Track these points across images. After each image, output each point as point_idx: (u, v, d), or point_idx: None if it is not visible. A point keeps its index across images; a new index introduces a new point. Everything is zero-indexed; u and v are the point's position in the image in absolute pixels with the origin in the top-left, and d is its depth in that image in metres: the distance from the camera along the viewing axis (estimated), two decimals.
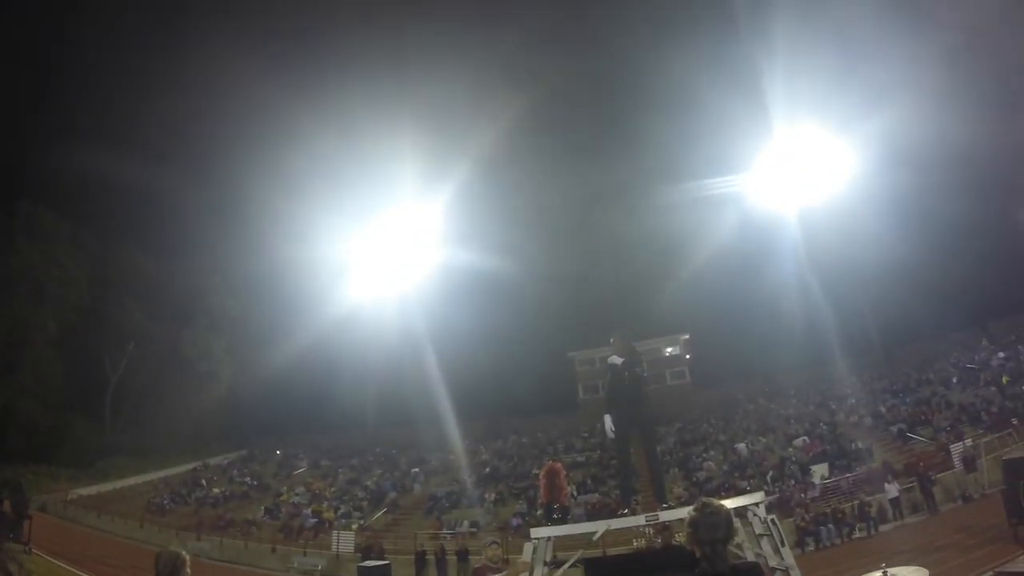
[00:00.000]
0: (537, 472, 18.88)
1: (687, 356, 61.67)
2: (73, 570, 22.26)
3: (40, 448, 53.78)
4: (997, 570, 8.58)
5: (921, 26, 40.94)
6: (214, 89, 54.72)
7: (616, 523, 8.99)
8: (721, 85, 47.02)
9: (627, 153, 55.98)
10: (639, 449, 9.96)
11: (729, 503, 4.13)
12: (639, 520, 8.66)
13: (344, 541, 35.18)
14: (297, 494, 46.31)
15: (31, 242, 56.16)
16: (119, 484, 51.48)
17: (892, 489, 28.92)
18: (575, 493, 36.42)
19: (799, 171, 47.53)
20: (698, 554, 3.76)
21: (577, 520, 16.79)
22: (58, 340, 58.43)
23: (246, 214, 55.83)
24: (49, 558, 22.95)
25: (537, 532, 8.39)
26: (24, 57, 56.06)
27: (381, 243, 55.07)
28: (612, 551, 14.22)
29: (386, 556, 28.63)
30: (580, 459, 45.32)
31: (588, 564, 8.44)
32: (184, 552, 5.63)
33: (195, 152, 55.85)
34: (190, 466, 56.35)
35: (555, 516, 9.08)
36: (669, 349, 61.45)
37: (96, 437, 59.55)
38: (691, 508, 3.98)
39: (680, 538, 9.00)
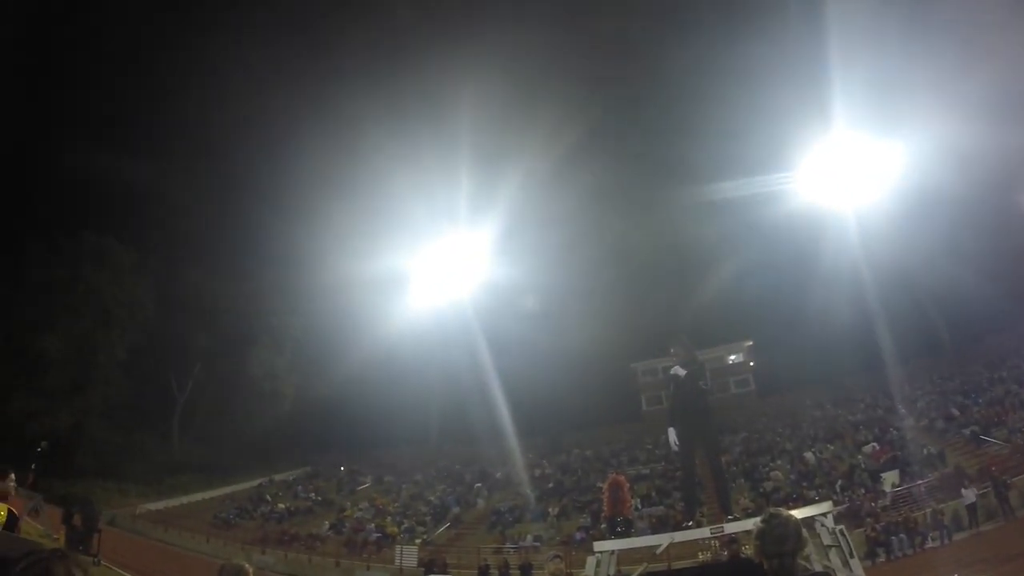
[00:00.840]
0: (601, 485, 18.79)
1: (751, 363, 60.85)
2: None
3: (109, 465, 55.00)
4: None
5: (981, 26, 40.22)
6: (277, 110, 55.68)
7: (680, 536, 8.84)
8: (776, 82, 46.51)
9: (680, 158, 55.55)
10: (703, 460, 9.79)
11: (797, 513, 3.99)
12: (704, 532, 8.51)
13: (407, 556, 35.24)
14: (361, 509, 46.61)
15: (98, 268, 57.51)
16: (186, 500, 52.39)
17: (969, 495, 27.68)
18: (639, 506, 36.09)
19: (856, 168, 46.78)
20: (766, 567, 3.65)
21: (641, 533, 16.64)
22: (126, 361, 59.61)
23: (307, 234, 56.61)
24: (118, 570, 23.30)
25: (600, 546, 8.29)
26: (86, 82, 57.36)
27: (440, 259, 55.38)
28: (677, 564, 14.04)
29: (449, 570, 28.68)
30: (644, 471, 44.89)
31: None
32: (247, 565, 5.64)
33: (256, 173, 56.83)
34: (255, 482, 57.06)
35: (618, 529, 8.98)
36: (732, 357, 60.73)
37: (164, 454, 60.83)
38: (758, 519, 3.85)
39: (748, 551, 8.83)
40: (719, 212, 51.53)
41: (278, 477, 58.78)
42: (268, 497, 52.09)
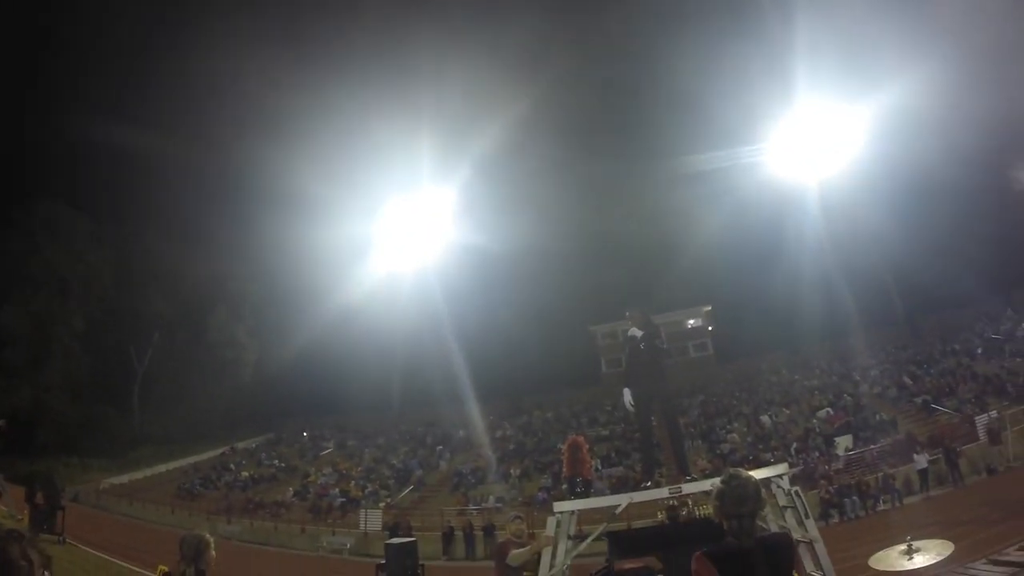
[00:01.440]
0: (561, 447, 19.03)
1: (709, 328, 61.53)
2: (107, 557, 22.46)
3: (71, 440, 54.67)
4: (1022, 545, 8.48)
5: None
6: (232, 73, 54.73)
7: (639, 496, 8.96)
8: (740, 55, 46.62)
9: (645, 126, 55.69)
10: (660, 422, 9.90)
11: (754, 475, 4.10)
12: (663, 493, 8.62)
13: (372, 519, 35.46)
14: (324, 475, 46.71)
15: (53, 239, 56.71)
16: (149, 472, 52.22)
17: (921, 460, 28.70)
18: (599, 467, 36.54)
19: (820, 141, 47.08)
20: (725, 527, 3.71)
21: (600, 494, 16.80)
22: (84, 334, 59.01)
23: (264, 199, 55.96)
24: (83, 547, 23.17)
25: (560, 506, 8.39)
26: (34, 48, 56.18)
27: (400, 223, 55.00)
28: (636, 524, 14.23)
29: (413, 533, 28.78)
30: (604, 433, 45.40)
31: (612, 537, 8.44)
32: (207, 535, 5.65)
33: (211, 137, 55.85)
34: (218, 451, 57.00)
35: (578, 490, 9.06)
36: (691, 321, 61.32)
37: (126, 427, 60.42)
38: (717, 480, 3.93)
39: (703, 510, 8.98)
40: (684, 180, 51.70)
41: (241, 445, 58.57)
42: (232, 466, 52.01)
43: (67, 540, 22.15)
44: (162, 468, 53.23)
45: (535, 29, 53.74)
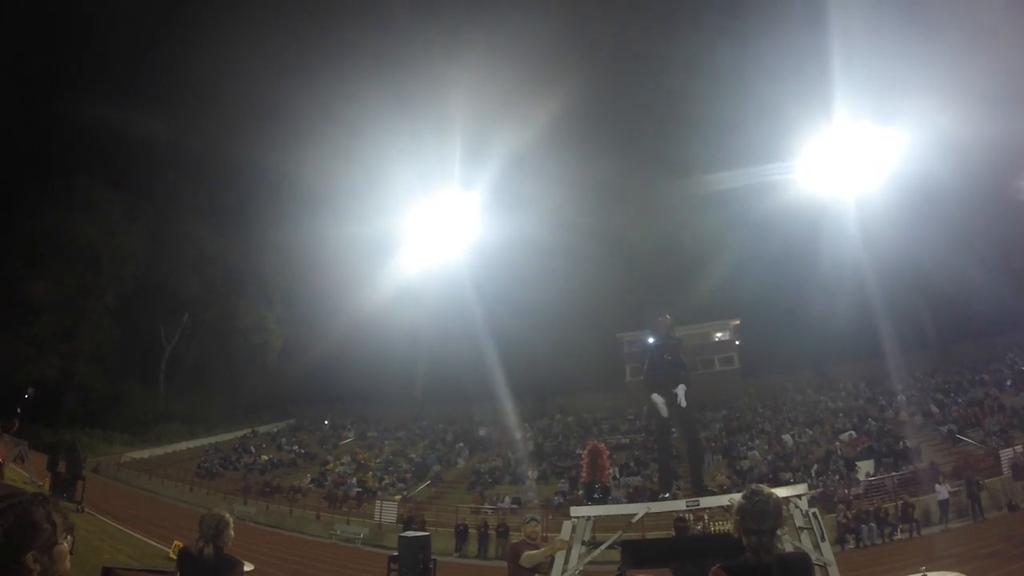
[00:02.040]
0: (580, 452, 18.98)
1: (736, 342, 61.13)
2: (123, 529, 22.66)
3: (96, 413, 55.28)
4: None
5: (980, 11, 40.05)
6: (273, 64, 55.16)
7: (656, 506, 8.91)
8: (775, 69, 46.28)
9: (679, 137, 55.37)
10: (681, 434, 9.82)
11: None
12: (680, 505, 8.57)
13: (387, 511, 35.65)
14: (343, 464, 46.93)
15: (89, 215, 57.29)
16: (170, 449, 52.70)
17: (942, 491, 28.21)
18: (617, 475, 36.49)
19: (857, 158, 46.64)
20: (744, 542, 3.67)
21: (618, 502, 16.76)
22: (116, 309, 59.68)
23: (300, 188, 56.37)
24: (101, 517, 23.39)
25: (577, 511, 8.34)
26: (77, 26, 56.70)
27: (433, 219, 55.10)
28: (651, 535, 14.19)
29: (427, 528, 28.86)
30: (624, 441, 45.30)
31: (626, 546, 8.39)
32: (228, 514, 5.67)
33: (251, 125, 56.26)
34: (240, 433, 57.36)
35: (596, 496, 9.00)
36: (719, 334, 60.90)
37: (150, 403, 60.93)
38: (738, 495, 3.89)
39: (719, 525, 8.93)
40: (718, 194, 51.43)
41: (262, 429, 58.98)
42: (252, 448, 52.36)
43: (85, 509, 22.42)
44: (183, 446, 53.75)
45: (566, 36, 53.64)
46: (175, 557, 5.82)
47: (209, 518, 5.58)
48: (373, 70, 53.66)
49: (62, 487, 22.59)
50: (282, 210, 57.44)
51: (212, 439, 55.63)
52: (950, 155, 42.03)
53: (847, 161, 46.74)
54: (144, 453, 50.45)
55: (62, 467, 23.88)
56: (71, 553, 2.40)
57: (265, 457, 49.68)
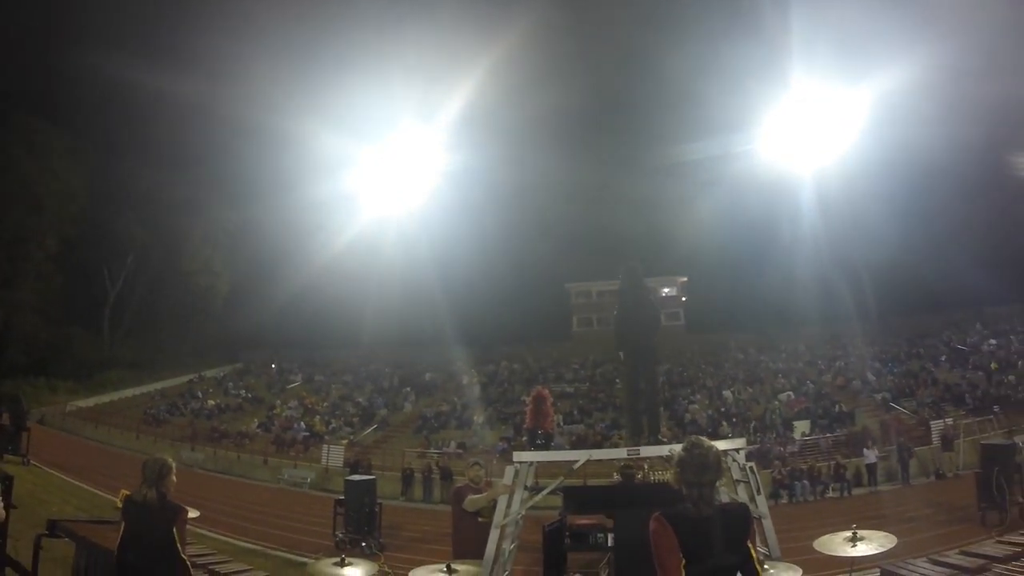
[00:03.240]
0: (525, 399, 19.13)
1: (683, 299, 61.93)
2: (70, 480, 22.56)
3: (39, 361, 54.07)
4: (963, 549, 8.69)
5: None
6: (217, 4, 53.75)
7: (598, 454, 9.09)
8: (733, 40, 46.40)
9: (635, 93, 55.58)
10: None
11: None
12: (621, 453, 8.72)
13: (334, 455, 35.86)
14: (290, 408, 46.84)
15: (29, 155, 55.31)
16: (116, 396, 51.91)
17: (871, 455, 29.56)
18: (561, 423, 36.97)
19: (814, 131, 46.83)
20: (684, 493, 3.77)
21: (560, 449, 16.99)
22: (57, 254, 58.12)
23: (247, 127, 55.05)
24: (47, 469, 23.24)
25: (520, 456, 8.46)
26: None
27: (384, 162, 54.36)
28: (592, 482, 14.42)
29: (373, 472, 29.07)
30: (569, 390, 45.95)
31: (568, 492, 8.54)
32: (170, 459, 5.71)
33: (196, 61, 54.84)
34: (186, 378, 56.73)
35: (539, 442, 9.13)
36: (666, 290, 61.60)
37: (94, 350, 59.88)
38: (679, 447, 3.97)
39: (659, 475, 9.11)
40: (674, 156, 51.50)
41: (208, 373, 58.44)
42: (199, 394, 51.92)
43: (31, 461, 22.24)
44: (129, 393, 52.94)
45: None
46: (121, 506, 5.85)
47: (151, 463, 5.64)
48: (326, 8, 52.70)
49: (6, 440, 22.31)
50: (230, 150, 56.04)
51: (158, 385, 54.91)
52: (905, 132, 42.58)
53: (804, 133, 46.92)
54: (90, 401, 49.68)
55: (5, 419, 23.54)
56: (13, 507, 2.42)
57: (212, 402, 49.27)
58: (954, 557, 8.23)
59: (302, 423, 42.99)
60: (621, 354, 9.36)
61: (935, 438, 30.31)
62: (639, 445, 8.51)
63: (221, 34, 52.75)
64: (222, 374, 58.98)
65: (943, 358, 42.63)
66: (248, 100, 52.62)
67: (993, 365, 38.78)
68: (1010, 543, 8.52)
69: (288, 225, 56.26)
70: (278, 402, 48.88)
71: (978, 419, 31.36)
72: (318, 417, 44.52)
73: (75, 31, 53.15)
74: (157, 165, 58.88)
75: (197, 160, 58.59)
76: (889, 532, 7.16)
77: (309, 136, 51.39)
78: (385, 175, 53.18)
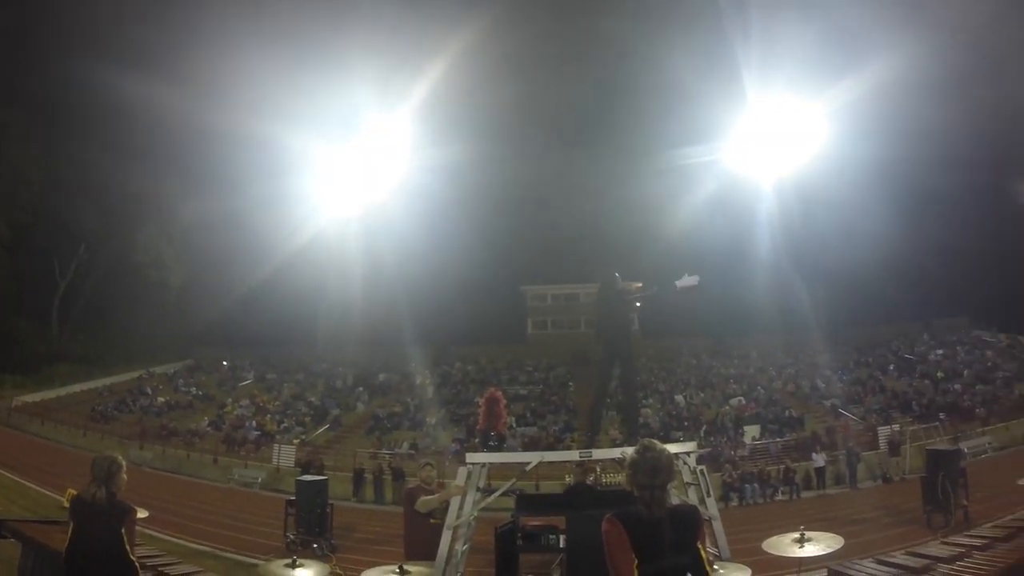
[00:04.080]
0: (479, 400, 19.24)
1: (637, 304, 62.15)
2: (16, 479, 22.21)
3: None
4: (908, 550, 8.94)
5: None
6: None
7: (550, 456, 9.16)
8: (696, 51, 46.90)
9: (599, 106, 55.98)
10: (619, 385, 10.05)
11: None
12: (573, 455, 8.82)
13: (285, 455, 35.59)
14: (241, 406, 46.35)
15: None
16: (64, 391, 50.62)
17: (819, 459, 30.36)
18: (514, 424, 37.13)
19: (772, 140, 47.34)
20: (636, 495, 3.82)
21: (513, 451, 17.05)
22: (7, 242, 56.92)
23: (206, 119, 54.15)
24: None
25: (472, 457, 8.51)
26: None
27: (341, 157, 53.94)
28: (544, 484, 14.51)
29: (325, 472, 28.91)
30: (522, 392, 46.16)
31: (520, 499, 8.59)
32: (119, 457, 5.65)
33: (155, 54, 54.07)
34: (135, 374, 55.70)
35: (491, 443, 9.18)
36: None
37: (42, 343, 58.39)
38: (631, 449, 4.02)
39: (612, 477, 9.21)
40: (634, 164, 52.01)
41: (159, 370, 57.50)
42: (148, 390, 51.06)
43: None
44: (77, 388, 51.72)
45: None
46: (68, 505, 5.79)
47: (100, 461, 5.59)
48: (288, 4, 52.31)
49: None
50: (188, 142, 55.03)
51: (107, 380, 53.66)
52: (862, 146, 43.44)
53: (763, 144, 47.49)
54: (36, 396, 48.38)
55: None
56: None
57: (162, 399, 48.55)
58: (900, 557, 8.44)
59: (253, 422, 42.58)
60: (599, 357, 9.58)
61: (882, 443, 31.22)
62: (591, 445, 8.62)
63: (182, 28, 52.23)
64: (173, 370, 58.10)
65: (891, 367, 44.25)
66: (208, 94, 51.93)
67: (939, 374, 40.37)
68: (954, 544, 8.77)
69: (245, 221, 55.64)
70: (229, 400, 48.33)
71: (924, 426, 32.64)
72: (269, 416, 44.15)
73: (32, 19, 52.34)
74: (114, 154, 57.68)
75: (154, 150, 57.28)
76: (836, 534, 7.33)
77: (268, 132, 50.87)
78: (343, 173, 52.89)
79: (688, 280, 9.83)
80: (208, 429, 42.17)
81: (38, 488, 20.81)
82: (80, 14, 53.56)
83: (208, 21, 51.17)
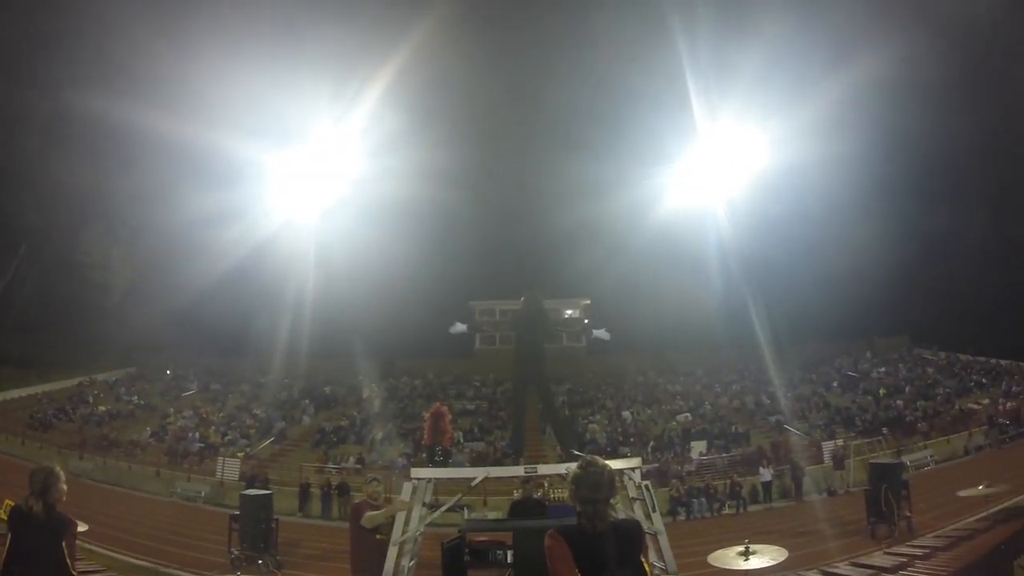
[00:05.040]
0: (425, 414, 19.33)
1: (586, 321, 62.75)
2: None
3: None
4: (853, 561, 9.14)
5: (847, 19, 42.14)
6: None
7: (496, 471, 9.19)
8: (649, 77, 47.47)
9: (556, 115, 56.36)
10: (539, 405, 10.17)
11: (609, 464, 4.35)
12: (518, 471, 8.85)
13: (229, 468, 35.17)
14: (185, 417, 45.66)
15: None
16: (0, 397, 49.53)
17: (766, 473, 30.96)
18: (461, 440, 37.22)
19: (728, 162, 48.14)
20: (579, 509, 3.88)
21: (459, 466, 17.07)
22: None
23: (156, 123, 53.30)
24: None
25: (418, 472, 8.51)
26: None
27: (288, 166, 53.53)
28: (492, 499, 14.53)
29: (270, 486, 28.65)
30: (470, 407, 46.18)
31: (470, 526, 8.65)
32: (58, 468, 5.58)
33: (109, 43, 53.09)
34: (76, 381, 54.52)
35: (437, 459, 9.19)
36: (569, 311, 62.91)
37: None
38: (575, 465, 4.09)
39: (558, 492, 9.28)
40: (586, 182, 52.40)
41: (100, 377, 56.33)
42: (89, 398, 50.11)
43: None
44: (15, 393, 50.34)
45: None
46: (5, 517, 5.69)
47: (38, 472, 5.52)
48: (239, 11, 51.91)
49: None
50: (138, 143, 54.25)
51: (46, 387, 52.43)
52: (804, 166, 44.38)
53: (710, 165, 48.29)
54: None
55: None
56: None
57: (103, 408, 47.64)
58: (844, 568, 8.64)
59: (197, 434, 42.01)
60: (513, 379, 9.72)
61: (826, 458, 31.91)
62: (528, 463, 8.69)
63: (135, 31, 51.52)
64: (114, 378, 56.98)
65: (835, 384, 45.79)
66: (160, 98, 51.32)
67: (882, 391, 41.49)
68: (897, 554, 9.00)
69: (192, 227, 54.88)
70: (172, 410, 47.58)
71: (867, 440, 33.69)
72: (213, 428, 43.61)
73: None
74: (60, 150, 56.43)
75: (104, 150, 56.13)
76: (781, 546, 7.45)
77: (219, 138, 50.36)
78: (292, 182, 52.60)
79: (602, 333, 9.97)
80: (150, 440, 41.45)
81: None
82: (30, 12, 52.72)
83: (161, 26, 50.69)
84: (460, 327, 10.40)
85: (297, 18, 50.87)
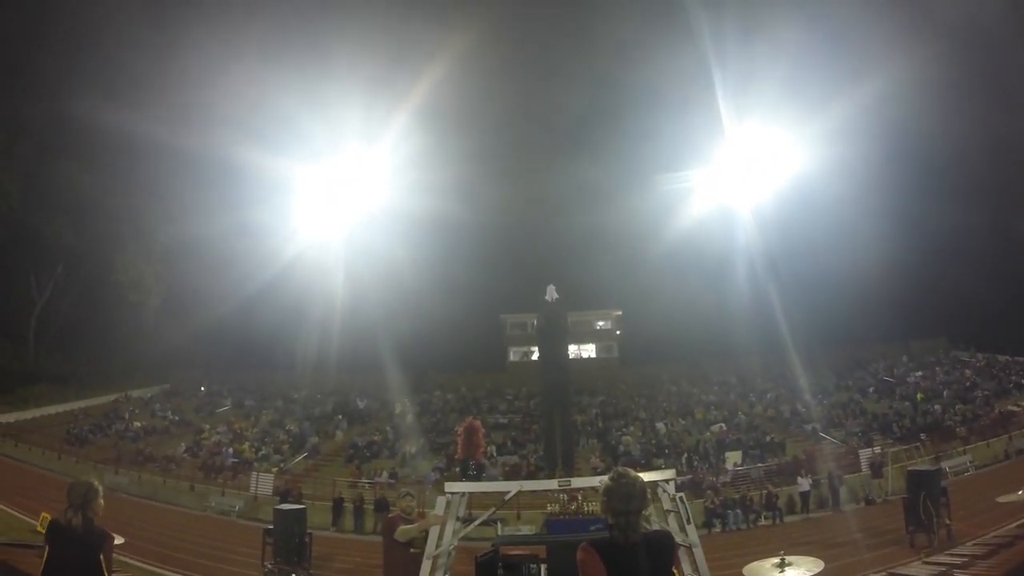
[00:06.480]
0: (458, 429, 19.22)
1: (617, 332, 62.69)
2: None
3: None
4: (891, 571, 9.01)
5: (875, 23, 41.86)
6: (164, 22, 53.23)
7: (529, 485, 9.15)
8: (682, 79, 47.49)
9: (582, 126, 56.39)
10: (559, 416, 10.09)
11: (643, 477, 4.31)
12: (552, 484, 8.80)
13: (263, 483, 35.24)
14: (219, 433, 45.93)
15: None
16: (38, 412, 49.92)
17: (804, 483, 30.50)
18: (494, 453, 37.05)
19: (755, 167, 48.00)
20: (611, 522, 3.86)
21: (493, 479, 17.02)
22: None
23: (189, 142, 54.00)
24: None
25: (452, 487, 8.50)
26: None
27: (326, 183, 54.00)
28: (526, 513, 14.47)
29: (303, 501, 28.68)
30: (503, 421, 46.03)
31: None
32: (97, 483, 5.60)
33: (140, 67, 54.01)
34: (112, 397, 55.11)
35: (471, 472, 9.22)
36: (600, 323, 62.80)
37: (18, 362, 57.60)
38: (607, 477, 4.07)
39: (592, 505, 9.20)
40: (615, 192, 52.47)
41: (135, 393, 56.84)
42: (124, 414, 50.57)
43: None
44: (52, 410, 50.95)
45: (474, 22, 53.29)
46: (43, 530, 5.72)
47: (77, 486, 5.52)
48: (274, 22, 52.55)
49: None
50: (171, 164, 54.97)
51: (83, 403, 53.00)
52: (837, 172, 44.09)
53: (742, 170, 48.10)
54: (10, 417, 47.70)
55: None
56: None
57: (138, 424, 48.03)
58: None
59: (231, 449, 42.22)
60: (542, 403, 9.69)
61: (864, 466, 31.66)
62: (556, 477, 8.64)
63: (165, 52, 52.29)
64: (150, 395, 57.51)
65: (871, 389, 44.87)
66: (190, 118, 52.16)
67: (919, 396, 40.59)
68: (936, 563, 8.86)
69: (225, 245, 55.46)
70: (206, 426, 47.87)
71: (905, 447, 32.93)
72: (247, 443, 43.82)
73: (18, 39, 52.25)
74: (95, 174, 57.37)
75: (136, 172, 57.28)
76: (818, 557, 7.35)
77: (250, 156, 50.96)
78: (325, 200, 52.96)
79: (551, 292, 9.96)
80: (185, 455, 41.75)
81: (9, 510, 20.55)
82: (66, 38, 53.58)
83: (192, 47, 51.35)
84: (554, 293, 10.25)
85: (327, 38, 51.35)
